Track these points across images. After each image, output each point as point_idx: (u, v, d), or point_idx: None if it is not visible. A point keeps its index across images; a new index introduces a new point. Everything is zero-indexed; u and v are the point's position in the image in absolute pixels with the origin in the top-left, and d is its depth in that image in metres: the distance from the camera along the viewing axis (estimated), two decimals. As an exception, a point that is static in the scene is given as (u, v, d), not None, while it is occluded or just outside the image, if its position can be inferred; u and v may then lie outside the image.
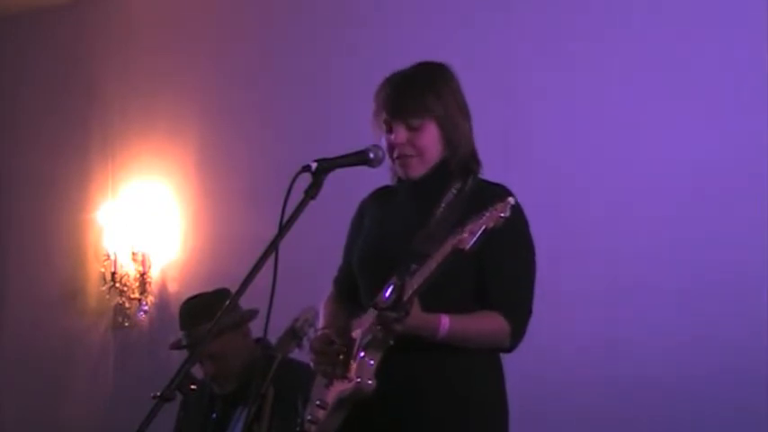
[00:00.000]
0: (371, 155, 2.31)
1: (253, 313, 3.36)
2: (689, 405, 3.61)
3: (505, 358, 2.44)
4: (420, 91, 2.41)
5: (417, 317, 2.23)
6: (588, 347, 3.81)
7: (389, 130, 2.42)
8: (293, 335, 3.08)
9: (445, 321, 2.27)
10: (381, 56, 4.27)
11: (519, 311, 2.36)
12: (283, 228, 2.12)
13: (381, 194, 2.59)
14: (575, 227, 3.87)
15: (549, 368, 3.77)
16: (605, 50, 3.95)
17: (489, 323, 2.34)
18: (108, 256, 5.12)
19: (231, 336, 3.33)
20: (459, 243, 2.13)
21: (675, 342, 3.67)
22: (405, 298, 2.18)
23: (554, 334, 3.62)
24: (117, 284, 5.07)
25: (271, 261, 2.08)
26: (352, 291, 2.53)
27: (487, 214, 2.14)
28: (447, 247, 2.15)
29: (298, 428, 2.38)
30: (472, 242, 2.12)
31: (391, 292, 2.21)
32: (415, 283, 2.19)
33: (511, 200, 2.16)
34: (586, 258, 3.85)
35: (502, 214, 2.14)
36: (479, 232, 2.12)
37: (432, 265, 2.18)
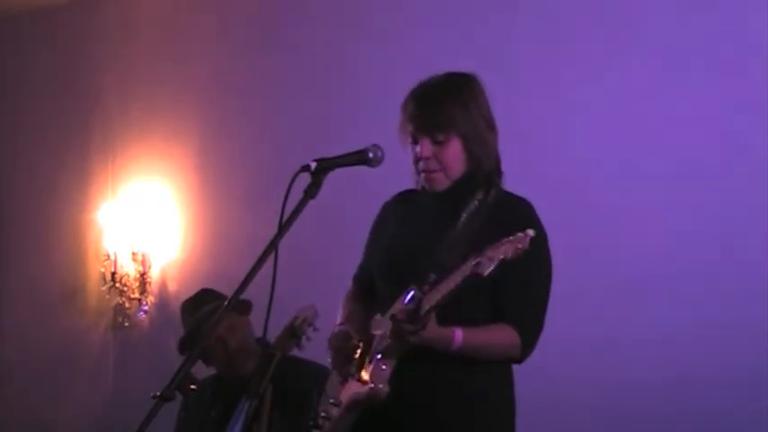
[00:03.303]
0: (371, 155, 2.31)
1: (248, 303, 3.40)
2: (690, 407, 3.61)
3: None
4: (446, 106, 2.42)
5: (433, 330, 2.26)
6: (589, 348, 3.81)
7: (415, 142, 2.44)
8: (292, 334, 3.08)
9: (459, 335, 2.30)
10: (381, 58, 4.27)
11: (531, 325, 2.40)
12: (283, 227, 2.13)
13: (406, 198, 2.60)
14: (575, 228, 3.87)
15: (549, 369, 3.77)
16: (604, 51, 3.95)
17: (501, 336, 2.37)
18: (108, 256, 5.12)
19: (234, 317, 3.36)
20: (478, 267, 2.17)
21: (675, 343, 3.67)
22: (422, 312, 2.21)
23: (555, 335, 3.62)
24: (117, 284, 5.07)
25: (270, 260, 2.09)
26: (371, 289, 2.56)
27: (507, 244, 2.18)
28: (466, 270, 2.19)
29: (311, 422, 2.38)
30: (490, 269, 2.16)
31: (410, 304, 2.24)
32: (432, 298, 2.23)
33: (530, 232, 2.19)
34: (587, 260, 3.86)
35: (520, 246, 2.17)
36: (497, 261, 2.16)
37: (450, 285, 2.22)
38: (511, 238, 2.19)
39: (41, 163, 5.56)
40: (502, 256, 2.16)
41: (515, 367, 2.48)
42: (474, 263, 2.17)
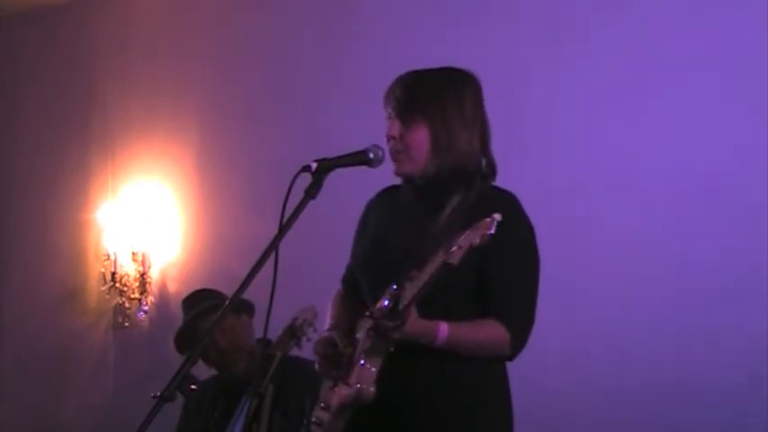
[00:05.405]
0: (371, 155, 2.32)
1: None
2: (690, 408, 3.61)
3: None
4: (420, 89, 2.40)
5: (415, 324, 2.23)
6: (588, 350, 3.81)
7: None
8: (292, 334, 3.09)
9: (444, 328, 2.27)
10: (381, 57, 4.28)
11: (519, 320, 2.35)
12: (283, 228, 2.13)
13: (388, 194, 2.58)
14: (574, 228, 3.88)
15: (549, 372, 3.77)
16: (604, 52, 3.95)
17: (488, 331, 2.32)
18: (108, 256, 5.12)
19: (231, 317, 3.37)
20: (449, 258, 2.15)
21: (673, 344, 3.67)
22: (401, 306, 2.18)
23: (553, 337, 3.62)
24: (117, 284, 5.07)
25: (271, 261, 2.09)
26: (358, 289, 2.53)
27: (475, 230, 2.16)
28: (438, 261, 2.17)
29: (304, 430, 2.38)
30: (459, 257, 2.14)
31: (388, 300, 2.22)
32: (410, 292, 2.19)
33: (497, 216, 2.16)
34: (587, 260, 3.86)
35: (488, 232, 2.15)
36: (466, 248, 2.14)
37: (424, 276, 2.18)
38: (478, 224, 2.16)
39: (41, 162, 5.55)
40: (470, 244, 2.14)
41: (513, 375, 2.47)
42: (445, 252, 2.15)
